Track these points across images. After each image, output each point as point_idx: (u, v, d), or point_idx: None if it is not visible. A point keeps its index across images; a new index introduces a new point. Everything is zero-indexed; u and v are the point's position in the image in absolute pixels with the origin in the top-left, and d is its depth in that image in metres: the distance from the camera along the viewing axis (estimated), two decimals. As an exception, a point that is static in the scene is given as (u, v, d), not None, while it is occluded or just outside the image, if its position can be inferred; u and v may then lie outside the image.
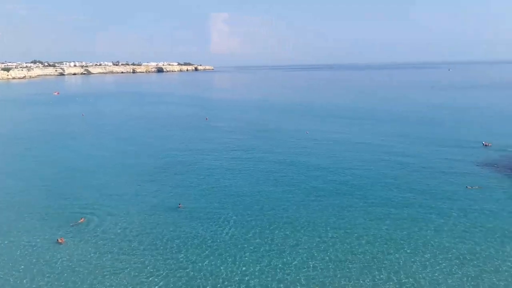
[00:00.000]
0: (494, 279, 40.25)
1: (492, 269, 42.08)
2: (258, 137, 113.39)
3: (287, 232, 51.42)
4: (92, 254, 46.99)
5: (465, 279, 40.42)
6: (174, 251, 47.15)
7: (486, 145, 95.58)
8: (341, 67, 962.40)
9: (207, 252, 46.82)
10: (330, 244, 48.11)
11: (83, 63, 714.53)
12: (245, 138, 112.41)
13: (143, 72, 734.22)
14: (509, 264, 43.00)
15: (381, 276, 41.13)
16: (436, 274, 41.20)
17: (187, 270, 43.00)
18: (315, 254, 45.68)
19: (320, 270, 42.43)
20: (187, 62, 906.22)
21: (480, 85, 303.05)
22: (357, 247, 47.24)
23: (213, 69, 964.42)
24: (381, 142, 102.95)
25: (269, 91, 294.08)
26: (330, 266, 43.14)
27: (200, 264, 44.13)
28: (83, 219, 56.51)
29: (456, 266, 42.71)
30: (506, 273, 41.21)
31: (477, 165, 79.88)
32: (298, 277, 41.20)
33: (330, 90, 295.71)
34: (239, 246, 48.13)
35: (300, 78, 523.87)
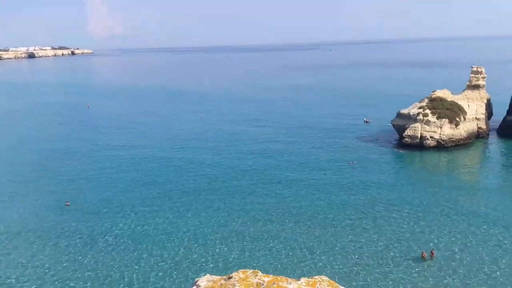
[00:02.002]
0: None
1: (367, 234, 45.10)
2: (143, 128, 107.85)
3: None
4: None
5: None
6: (65, 251, 43.10)
7: (367, 122, 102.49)
8: (221, 50, 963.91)
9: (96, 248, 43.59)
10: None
11: None
12: (129, 129, 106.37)
13: (12, 59, 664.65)
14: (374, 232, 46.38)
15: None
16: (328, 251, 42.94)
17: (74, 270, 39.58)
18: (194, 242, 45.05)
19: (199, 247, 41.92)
20: (63, 46, 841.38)
21: (354, 64, 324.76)
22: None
23: (92, 53, 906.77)
24: (261, 130, 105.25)
25: (151, 76, 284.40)
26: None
27: (86, 261, 40.89)
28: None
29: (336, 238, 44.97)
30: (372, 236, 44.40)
31: (361, 141, 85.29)
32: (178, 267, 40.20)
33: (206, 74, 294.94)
34: (128, 242, 45.61)
35: (186, 62, 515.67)
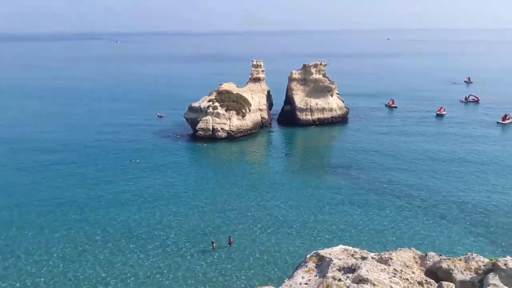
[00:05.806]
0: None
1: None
2: None
3: None
4: None
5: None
6: None
7: (160, 116, 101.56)
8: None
9: None
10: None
11: None
12: None
13: None
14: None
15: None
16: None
17: None
18: None
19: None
20: None
21: (140, 58, 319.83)
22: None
23: None
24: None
25: None
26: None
27: None
28: None
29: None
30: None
31: (155, 136, 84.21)
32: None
33: None
34: None
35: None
